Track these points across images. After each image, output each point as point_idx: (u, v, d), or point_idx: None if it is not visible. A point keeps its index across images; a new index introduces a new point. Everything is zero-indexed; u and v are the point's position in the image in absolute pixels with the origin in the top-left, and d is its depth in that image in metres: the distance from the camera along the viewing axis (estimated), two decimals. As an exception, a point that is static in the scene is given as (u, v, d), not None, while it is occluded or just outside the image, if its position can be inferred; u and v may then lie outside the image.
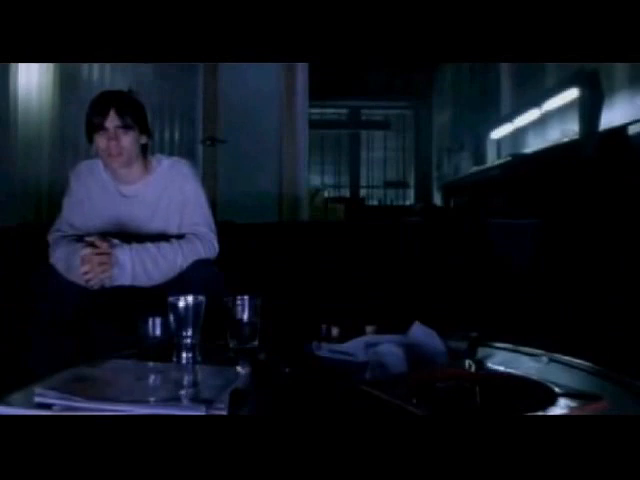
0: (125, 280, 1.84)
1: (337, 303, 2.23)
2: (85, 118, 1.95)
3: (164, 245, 1.89)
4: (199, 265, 1.91)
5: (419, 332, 1.36)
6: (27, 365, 1.75)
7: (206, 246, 1.95)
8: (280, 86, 4.64)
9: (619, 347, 2.00)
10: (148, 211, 2.00)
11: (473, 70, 8.88)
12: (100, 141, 1.92)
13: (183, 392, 1.08)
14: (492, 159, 7.81)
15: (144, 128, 2.00)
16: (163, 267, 1.86)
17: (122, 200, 2.01)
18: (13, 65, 2.77)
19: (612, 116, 4.47)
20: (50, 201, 2.85)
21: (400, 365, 1.22)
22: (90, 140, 1.96)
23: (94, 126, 1.92)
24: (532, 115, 6.20)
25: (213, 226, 2.02)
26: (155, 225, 2.00)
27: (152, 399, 1.00)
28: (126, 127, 1.92)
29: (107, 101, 1.93)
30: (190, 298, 1.30)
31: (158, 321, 1.38)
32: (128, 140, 1.93)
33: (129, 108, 1.95)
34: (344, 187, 12.30)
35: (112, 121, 1.90)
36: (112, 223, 2.01)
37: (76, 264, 1.79)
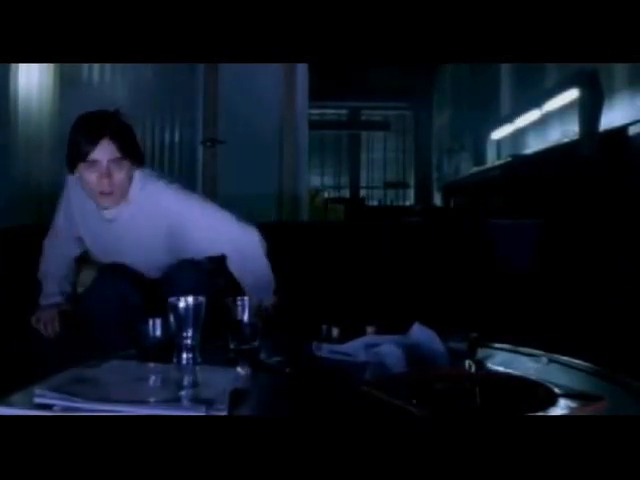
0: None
1: (337, 303, 2.24)
2: (68, 145, 1.66)
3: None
4: (183, 269, 1.82)
5: (419, 333, 1.36)
6: (30, 365, 1.75)
7: (250, 240, 1.85)
8: (280, 86, 4.64)
9: (619, 347, 2.00)
10: (131, 235, 1.85)
11: (473, 70, 8.88)
12: (89, 176, 1.65)
13: (183, 393, 1.08)
14: (492, 160, 7.82)
15: (136, 157, 1.74)
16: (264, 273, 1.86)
17: (104, 224, 1.84)
18: (13, 65, 2.77)
19: (612, 117, 4.47)
20: (50, 202, 2.84)
21: (400, 365, 1.22)
22: (71, 169, 1.70)
23: (81, 155, 1.62)
24: (532, 116, 6.20)
25: (225, 219, 1.85)
26: (143, 250, 1.87)
27: (152, 400, 1.00)
28: (121, 158, 1.66)
29: (98, 126, 1.64)
30: (190, 299, 1.29)
31: (158, 322, 1.37)
32: (122, 175, 1.68)
33: (123, 135, 1.67)
34: (344, 188, 12.31)
35: (105, 153, 1.63)
36: (98, 244, 1.92)
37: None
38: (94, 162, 1.63)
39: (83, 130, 1.64)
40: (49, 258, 1.99)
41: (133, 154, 1.71)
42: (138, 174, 1.78)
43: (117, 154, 1.64)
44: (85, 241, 1.95)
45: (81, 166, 1.66)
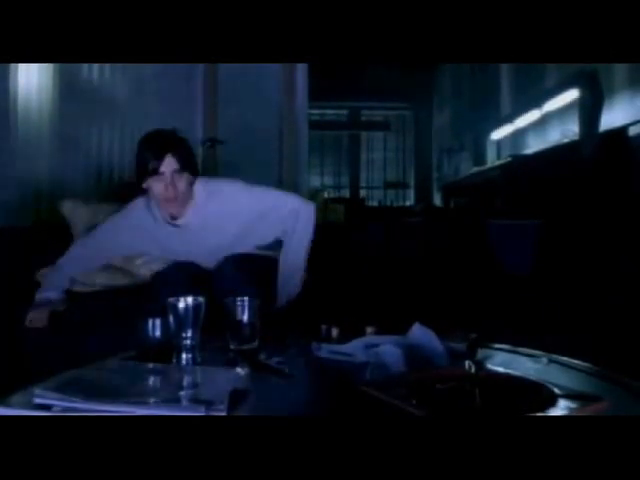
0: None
1: (337, 304, 2.24)
2: (136, 160, 1.95)
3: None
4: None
5: (419, 333, 1.36)
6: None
7: (308, 209, 2.11)
8: (280, 87, 4.64)
9: (619, 347, 2.00)
10: (197, 237, 2.06)
11: (473, 70, 8.88)
12: (156, 186, 1.94)
13: (183, 393, 1.08)
14: (492, 160, 7.80)
15: (194, 170, 2.02)
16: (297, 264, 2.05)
17: (175, 231, 2.07)
18: (13, 65, 2.77)
19: (612, 117, 4.47)
20: (50, 202, 2.84)
21: (400, 366, 1.22)
22: (140, 181, 1.97)
23: (149, 170, 1.92)
24: (532, 116, 6.19)
25: (287, 194, 2.16)
26: (205, 248, 2.08)
27: (152, 400, 1.00)
28: (181, 169, 1.94)
29: (163, 146, 1.93)
30: (190, 299, 1.29)
31: (158, 322, 1.37)
32: (183, 184, 1.95)
33: (183, 150, 1.96)
34: (344, 188, 12.29)
35: (168, 165, 1.91)
36: (168, 252, 2.11)
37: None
38: (160, 174, 1.91)
39: (149, 148, 1.94)
40: (72, 261, 2.11)
41: (191, 166, 1.99)
42: (200, 183, 2.05)
43: (178, 166, 1.92)
44: (152, 252, 2.16)
45: (149, 179, 1.94)
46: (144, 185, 1.98)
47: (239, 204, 2.05)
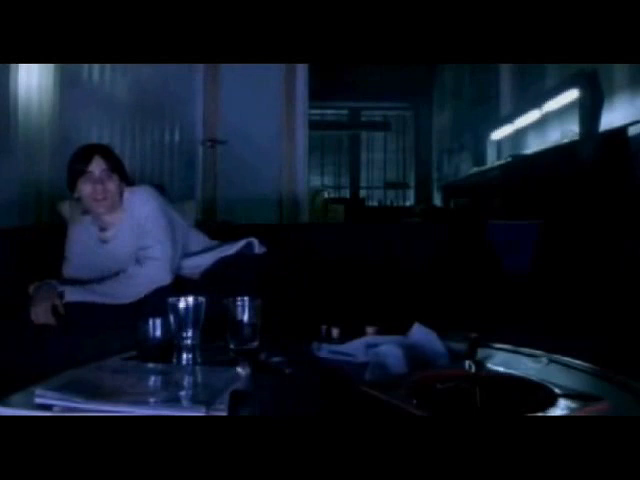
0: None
1: (337, 304, 2.24)
2: (67, 170, 2.00)
3: (109, 283, 1.93)
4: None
5: (420, 333, 1.36)
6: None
7: (151, 270, 1.95)
8: (280, 87, 4.63)
9: (619, 347, 2.00)
10: (125, 250, 2.04)
11: (473, 70, 8.88)
12: (85, 186, 1.98)
13: (183, 393, 1.08)
14: (492, 160, 7.80)
15: (124, 176, 2.07)
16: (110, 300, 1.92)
17: (102, 247, 2.07)
18: (13, 65, 2.77)
19: (612, 117, 4.47)
20: (50, 202, 2.84)
21: (400, 366, 1.22)
22: (72, 189, 2.01)
23: (78, 172, 1.97)
24: (532, 116, 6.19)
25: (168, 250, 2.00)
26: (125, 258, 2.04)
27: (152, 400, 1.00)
28: (110, 171, 1.99)
29: (91, 149, 2.02)
30: (190, 299, 1.30)
31: (158, 322, 1.37)
32: (112, 185, 1.99)
33: (111, 156, 2.04)
34: (344, 188, 12.29)
35: (97, 165, 1.97)
36: (96, 269, 2.06)
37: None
38: (89, 174, 1.97)
39: (77, 155, 2.01)
40: None
41: (121, 171, 2.05)
42: (128, 190, 2.08)
43: (106, 167, 1.99)
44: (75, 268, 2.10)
45: (79, 182, 1.99)
46: (75, 194, 2.01)
47: (140, 209, 2.05)
